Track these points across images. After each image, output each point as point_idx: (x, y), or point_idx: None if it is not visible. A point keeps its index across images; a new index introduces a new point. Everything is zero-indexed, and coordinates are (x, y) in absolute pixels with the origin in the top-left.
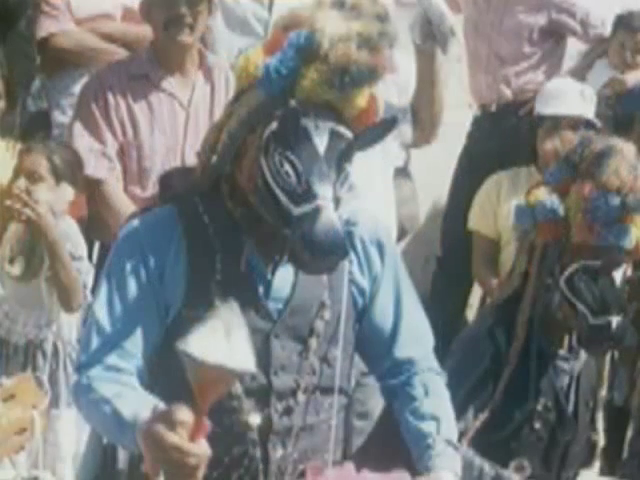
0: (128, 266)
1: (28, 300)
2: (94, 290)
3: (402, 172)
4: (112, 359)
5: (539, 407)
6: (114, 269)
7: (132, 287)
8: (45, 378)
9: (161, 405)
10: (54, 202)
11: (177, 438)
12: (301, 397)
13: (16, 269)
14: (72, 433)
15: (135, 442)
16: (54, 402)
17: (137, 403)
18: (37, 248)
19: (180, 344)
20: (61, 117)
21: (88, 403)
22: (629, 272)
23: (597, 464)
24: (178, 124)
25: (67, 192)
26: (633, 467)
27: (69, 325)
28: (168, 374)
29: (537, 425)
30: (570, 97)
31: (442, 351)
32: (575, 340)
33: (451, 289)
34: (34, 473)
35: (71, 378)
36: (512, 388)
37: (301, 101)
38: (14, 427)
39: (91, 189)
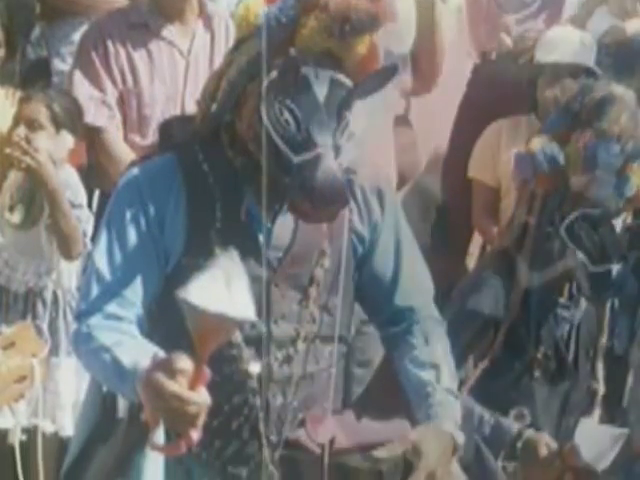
0: (128, 214)
1: (28, 248)
2: (94, 238)
3: (402, 120)
4: (112, 307)
5: (539, 355)
6: (114, 217)
7: (132, 235)
8: (45, 326)
9: (161, 353)
10: (54, 150)
11: (177, 386)
12: (301, 346)
13: (16, 217)
14: (72, 381)
15: (135, 390)
16: (54, 350)
17: (137, 351)
18: (37, 196)
19: (180, 292)
20: (61, 65)
21: (88, 351)
22: (629, 220)
23: (597, 412)
24: (178, 72)
25: (67, 140)
26: (633, 415)
27: (69, 273)
28: (168, 323)
29: (537, 374)
30: (570, 45)
31: (442, 300)
32: (575, 288)
33: (451, 238)
34: (34, 421)
35: (71, 326)
36: (512, 337)
37: (301, 50)
38: (14, 375)
39: (91, 137)
